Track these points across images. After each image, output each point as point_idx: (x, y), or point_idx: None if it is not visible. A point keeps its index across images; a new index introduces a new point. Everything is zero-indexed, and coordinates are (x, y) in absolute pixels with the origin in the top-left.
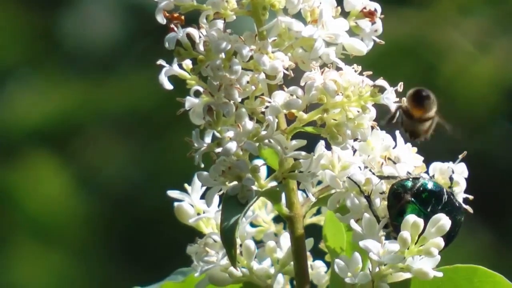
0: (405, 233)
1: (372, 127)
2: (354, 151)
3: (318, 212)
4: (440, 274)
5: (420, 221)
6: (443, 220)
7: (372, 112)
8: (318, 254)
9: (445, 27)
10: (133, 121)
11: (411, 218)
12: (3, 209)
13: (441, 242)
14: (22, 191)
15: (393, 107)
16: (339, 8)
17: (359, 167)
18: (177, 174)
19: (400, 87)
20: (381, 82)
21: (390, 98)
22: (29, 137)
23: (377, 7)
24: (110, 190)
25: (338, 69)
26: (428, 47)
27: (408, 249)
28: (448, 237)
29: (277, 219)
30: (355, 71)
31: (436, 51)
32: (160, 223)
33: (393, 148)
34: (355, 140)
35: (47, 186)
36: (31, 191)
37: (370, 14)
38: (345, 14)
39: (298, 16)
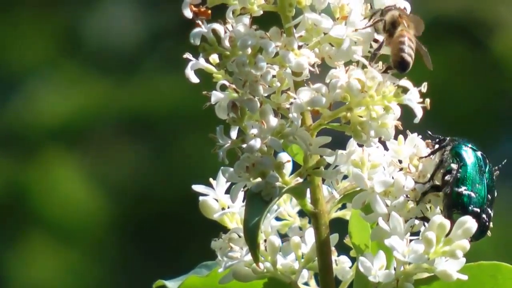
0: (430, 234)
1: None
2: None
3: (344, 207)
4: (464, 277)
5: (447, 222)
6: (469, 223)
7: (397, 112)
8: (343, 248)
9: (495, 3)
10: (152, 121)
11: (437, 218)
12: (22, 206)
13: (466, 245)
14: (41, 189)
15: (417, 108)
16: (368, 5)
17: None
18: (195, 172)
19: (424, 87)
20: (404, 82)
21: (412, 100)
22: (49, 136)
23: (407, 5)
24: (128, 188)
25: (364, 67)
26: (477, 24)
27: (433, 250)
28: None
29: (302, 213)
30: (380, 69)
31: (486, 28)
32: (178, 221)
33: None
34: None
35: (66, 184)
36: (51, 189)
37: None
38: None
39: (326, 10)
